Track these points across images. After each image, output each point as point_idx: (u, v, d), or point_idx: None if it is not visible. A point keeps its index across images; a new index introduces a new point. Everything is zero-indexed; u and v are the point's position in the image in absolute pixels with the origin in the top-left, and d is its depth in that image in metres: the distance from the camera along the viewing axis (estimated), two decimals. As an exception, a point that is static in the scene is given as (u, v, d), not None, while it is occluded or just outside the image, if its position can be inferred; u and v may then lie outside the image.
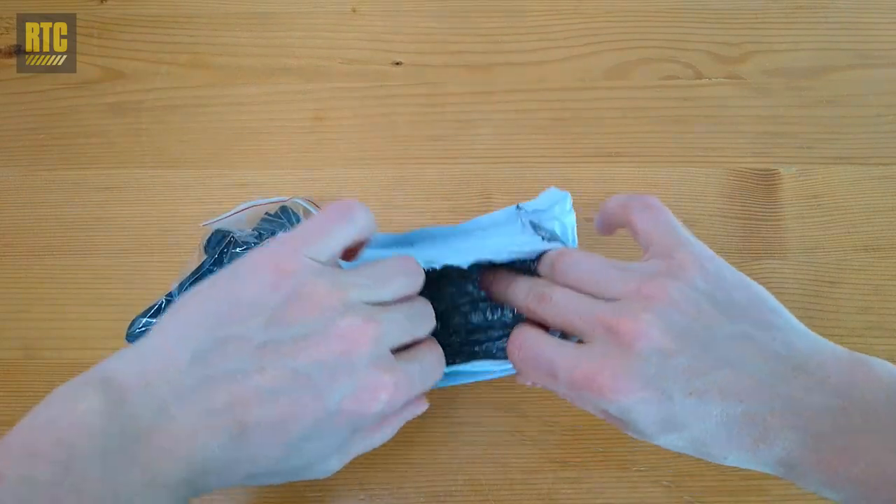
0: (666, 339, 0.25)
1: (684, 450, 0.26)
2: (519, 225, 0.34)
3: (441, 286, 0.35)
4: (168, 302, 0.39)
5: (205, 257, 0.40)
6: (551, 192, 0.35)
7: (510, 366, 0.32)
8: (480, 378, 0.33)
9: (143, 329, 0.39)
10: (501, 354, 0.34)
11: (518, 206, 0.35)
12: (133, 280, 0.44)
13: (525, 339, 0.30)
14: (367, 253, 0.31)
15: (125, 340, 0.39)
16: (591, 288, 0.28)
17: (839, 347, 0.26)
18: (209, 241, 0.41)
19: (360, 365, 0.25)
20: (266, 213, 0.42)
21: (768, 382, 0.24)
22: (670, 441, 0.26)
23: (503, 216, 0.35)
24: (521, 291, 0.31)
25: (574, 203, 0.45)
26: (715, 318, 0.26)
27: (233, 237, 0.40)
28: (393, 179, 0.46)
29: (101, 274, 0.44)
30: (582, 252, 0.30)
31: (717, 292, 0.27)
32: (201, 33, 0.49)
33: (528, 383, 0.32)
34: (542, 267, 0.32)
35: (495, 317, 0.35)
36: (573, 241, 0.34)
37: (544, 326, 0.31)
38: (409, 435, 0.41)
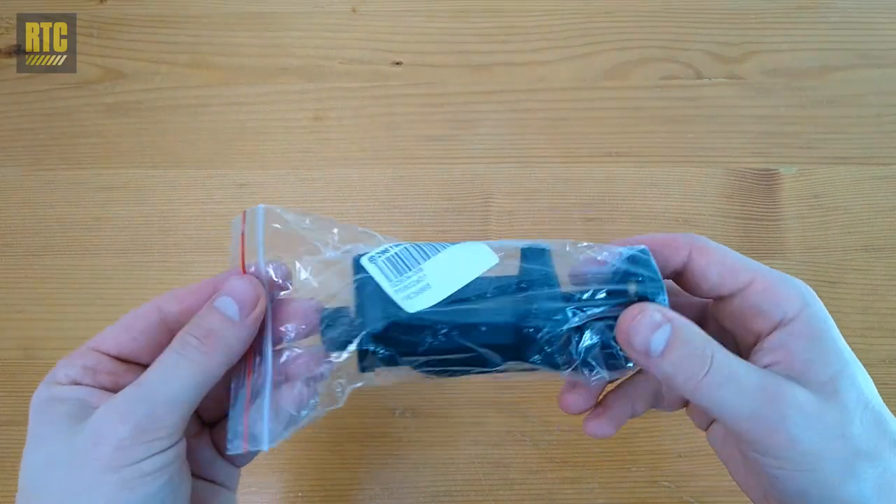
0: None
1: None
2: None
3: None
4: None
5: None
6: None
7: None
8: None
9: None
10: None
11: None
12: (133, 280, 0.44)
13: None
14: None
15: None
16: None
17: None
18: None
19: None
20: None
21: None
22: None
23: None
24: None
25: (574, 203, 0.45)
26: None
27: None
28: (393, 179, 0.46)
29: (101, 274, 0.44)
30: None
31: None
32: (201, 33, 0.49)
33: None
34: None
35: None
36: None
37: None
38: (410, 435, 0.41)
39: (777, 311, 0.24)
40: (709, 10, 0.50)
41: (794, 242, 0.44)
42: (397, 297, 0.24)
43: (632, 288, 0.25)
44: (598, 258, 0.25)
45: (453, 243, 0.26)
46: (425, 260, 0.25)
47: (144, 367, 0.25)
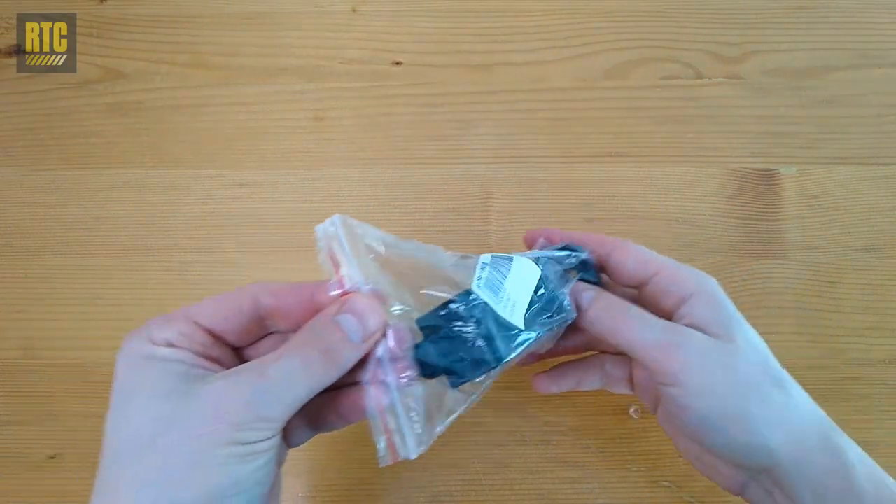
0: None
1: None
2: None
3: None
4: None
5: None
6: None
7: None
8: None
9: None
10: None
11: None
12: (133, 280, 0.44)
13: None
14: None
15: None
16: None
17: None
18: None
19: None
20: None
21: None
22: None
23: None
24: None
25: (574, 203, 0.46)
26: None
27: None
28: (393, 179, 0.46)
29: (101, 274, 0.44)
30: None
31: None
32: (202, 33, 0.49)
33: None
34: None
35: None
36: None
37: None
38: (409, 435, 0.41)
39: (679, 290, 0.30)
40: (709, 10, 0.50)
41: (794, 242, 0.44)
42: (505, 315, 0.30)
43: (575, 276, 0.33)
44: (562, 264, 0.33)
45: (509, 258, 0.31)
46: (504, 280, 0.30)
47: (228, 345, 0.28)
